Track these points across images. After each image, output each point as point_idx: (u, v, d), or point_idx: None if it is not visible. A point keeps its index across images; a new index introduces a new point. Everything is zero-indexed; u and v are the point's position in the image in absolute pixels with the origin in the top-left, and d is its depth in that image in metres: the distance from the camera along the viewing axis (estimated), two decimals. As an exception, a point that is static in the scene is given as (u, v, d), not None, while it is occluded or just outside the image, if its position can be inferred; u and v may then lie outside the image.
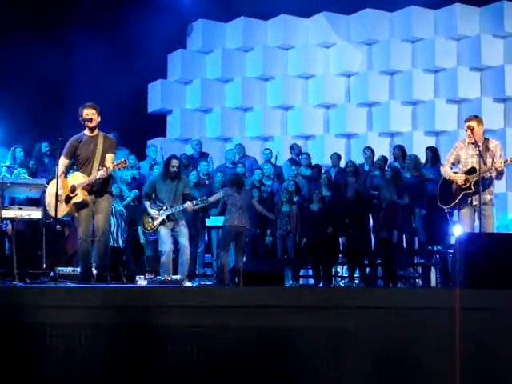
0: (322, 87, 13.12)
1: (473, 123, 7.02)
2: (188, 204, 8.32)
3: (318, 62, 13.32)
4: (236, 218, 9.04)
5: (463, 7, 12.59)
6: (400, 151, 10.54)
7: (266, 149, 11.77)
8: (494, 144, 7.06)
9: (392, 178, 9.47)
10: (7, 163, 9.51)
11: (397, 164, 10.38)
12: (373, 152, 10.89)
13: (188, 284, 8.05)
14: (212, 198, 9.23)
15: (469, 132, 6.98)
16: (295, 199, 10.13)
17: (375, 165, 10.53)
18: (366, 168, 10.79)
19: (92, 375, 4.60)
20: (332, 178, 10.38)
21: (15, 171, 9.17)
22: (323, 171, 10.73)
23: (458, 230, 7.48)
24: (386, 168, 10.12)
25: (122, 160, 6.92)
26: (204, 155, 11.79)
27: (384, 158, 10.56)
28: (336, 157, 11.17)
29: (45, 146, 10.13)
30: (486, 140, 7.08)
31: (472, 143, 7.00)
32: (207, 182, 10.61)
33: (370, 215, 9.68)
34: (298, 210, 9.91)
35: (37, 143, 10.34)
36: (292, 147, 11.86)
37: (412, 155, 10.10)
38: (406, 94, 12.74)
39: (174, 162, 8.45)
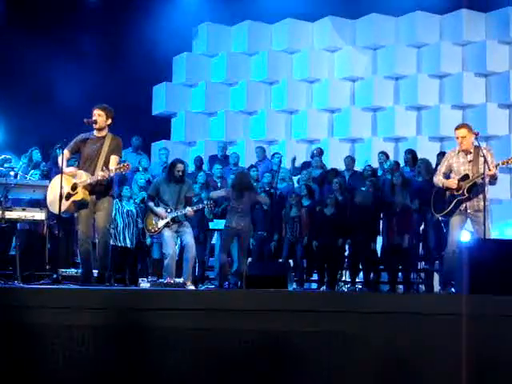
0: (327, 91, 13.14)
1: (464, 131, 7.07)
2: (188, 209, 8.29)
3: (323, 66, 13.34)
4: (234, 220, 9.01)
5: (469, 13, 12.60)
6: (411, 155, 10.50)
7: (276, 153, 11.74)
8: (485, 150, 7.08)
9: (401, 184, 9.44)
10: (19, 164, 9.60)
11: (407, 168, 10.36)
12: (387, 157, 10.86)
13: (191, 287, 8.03)
14: (214, 194, 9.27)
15: (460, 140, 7.03)
16: (306, 203, 10.07)
17: (387, 169, 10.50)
18: (380, 172, 10.76)
19: (93, 377, 4.60)
20: (344, 183, 10.33)
21: (28, 174, 9.24)
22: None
23: (465, 236, 7.45)
24: (396, 173, 10.01)
25: (125, 164, 6.85)
26: (228, 158, 11.79)
27: (396, 163, 10.53)
28: (350, 160, 11.12)
29: (59, 150, 10.16)
30: (477, 147, 7.09)
31: (463, 150, 7.05)
32: (219, 184, 10.62)
33: (382, 220, 9.60)
34: (307, 214, 9.86)
35: (52, 147, 10.39)
36: (313, 155, 11.72)
37: (424, 159, 10.02)
38: (410, 99, 12.74)
39: (179, 166, 8.42)
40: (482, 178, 6.86)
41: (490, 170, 6.82)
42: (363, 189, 9.93)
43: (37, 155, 10.08)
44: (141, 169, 10.65)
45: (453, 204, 6.98)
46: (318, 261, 9.88)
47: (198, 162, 11.24)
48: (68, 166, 7.12)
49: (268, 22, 13.68)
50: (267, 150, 12.94)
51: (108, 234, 7.08)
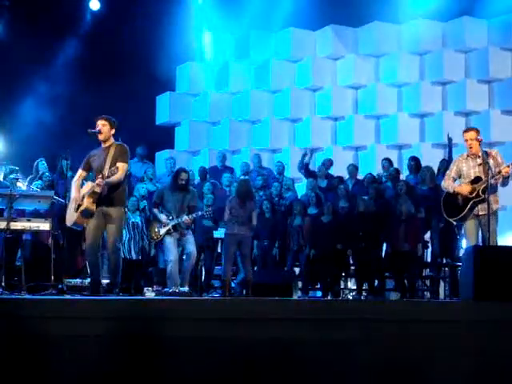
0: (330, 99, 13.14)
1: (473, 134, 7.14)
2: (185, 218, 8.36)
3: (326, 74, 13.35)
4: (236, 227, 9.01)
5: (471, 20, 12.61)
6: (414, 162, 10.48)
7: (278, 161, 11.73)
8: (493, 152, 7.18)
9: (406, 193, 9.42)
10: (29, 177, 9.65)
11: (411, 176, 10.34)
12: (391, 164, 10.84)
13: (185, 289, 8.08)
14: (226, 216, 9.15)
15: (469, 142, 7.08)
16: (313, 211, 10.05)
17: (388, 176, 10.49)
18: (384, 180, 10.75)
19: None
20: (349, 191, 10.32)
21: (33, 184, 9.29)
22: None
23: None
24: (399, 182, 9.98)
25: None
26: (228, 168, 11.80)
27: (396, 170, 10.52)
28: (352, 168, 11.11)
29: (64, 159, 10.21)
30: (484, 151, 7.13)
31: (472, 154, 7.09)
32: (227, 193, 10.64)
33: (386, 228, 9.58)
34: (310, 223, 9.85)
35: (58, 157, 10.42)
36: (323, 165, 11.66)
37: (428, 167, 10.02)
38: (413, 106, 12.74)
39: (183, 175, 8.52)
40: (496, 179, 6.89)
41: (503, 170, 6.85)
42: (365, 197, 9.91)
43: (42, 166, 10.08)
44: (146, 178, 10.65)
45: (468, 207, 6.96)
46: (318, 269, 9.86)
47: (203, 173, 11.21)
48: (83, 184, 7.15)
49: (270, 31, 13.71)
50: (271, 158, 12.95)
51: (118, 251, 7.00)
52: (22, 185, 9.12)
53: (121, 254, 7.18)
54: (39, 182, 9.49)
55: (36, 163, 10.11)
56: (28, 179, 9.66)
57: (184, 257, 8.47)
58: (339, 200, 9.97)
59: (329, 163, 11.35)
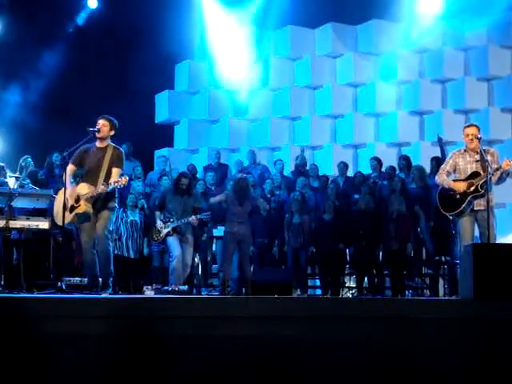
0: (329, 97, 13.13)
1: (474, 129, 7.16)
2: (192, 218, 8.52)
3: (325, 72, 13.34)
4: (236, 225, 9.01)
5: (470, 17, 12.59)
6: (405, 161, 10.49)
7: (278, 159, 11.72)
8: (491, 150, 7.21)
9: (401, 190, 9.42)
10: (15, 174, 9.56)
11: (402, 174, 10.34)
12: (379, 162, 10.85)
13: (184, 287, 8.14)
14: (213, 200, 9.27)
15: (471, 137, 7.09)
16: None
17: (384, 175, 10.49)
18: (374, 179, 10.74)
19: (99, 386, 4.59)
20: (339, 189, 10.32)
21: (18, 182, 9.22)
22: (330, 181, 10.65)
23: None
24: (395, 179, 10.00)
25: (122, 179, 6.82)
26: (223, 166, 11.78)
27: (392, 168, 10.52)
28: (343, 166, 11.12)
29: (55, 157, 10.18)
30: (483, 149, 7.14)
31: (471, 150, 7.09)
32: (214, 191, 10.59)
33: (379, 226, 9.59)
34: (309, 221, 9.84)
35: (48, 154, 10.39)
36: (297, 158, 11.74)
37: (417, 166, 10.06)
38: (413, 104, 12.74)
39: (183, 181, 8.72)
40: (494, 174, 6.89)
41: (504, 163, 6.86)
42: (356, 196, 9.92)
43: (30, 163, 9.96)
44: (133, 176, 10.57)
45: (466, 202, 6.96)
46: (319, 267, 9.85)
47: (193, 170, 11.11)
48: (75, 177, 7.18)
49: (269, 29, 13.69)
50: (270, 156, 12.94)
51: (107, 240, 7.03)
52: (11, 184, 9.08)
53: (110, 244, 7.16)
54: (27, 180, 9.37)
55: (23, 161, 10.01)
56: (13, 177, 9.56)
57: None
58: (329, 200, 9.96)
59: (303, 156, 11.48)
